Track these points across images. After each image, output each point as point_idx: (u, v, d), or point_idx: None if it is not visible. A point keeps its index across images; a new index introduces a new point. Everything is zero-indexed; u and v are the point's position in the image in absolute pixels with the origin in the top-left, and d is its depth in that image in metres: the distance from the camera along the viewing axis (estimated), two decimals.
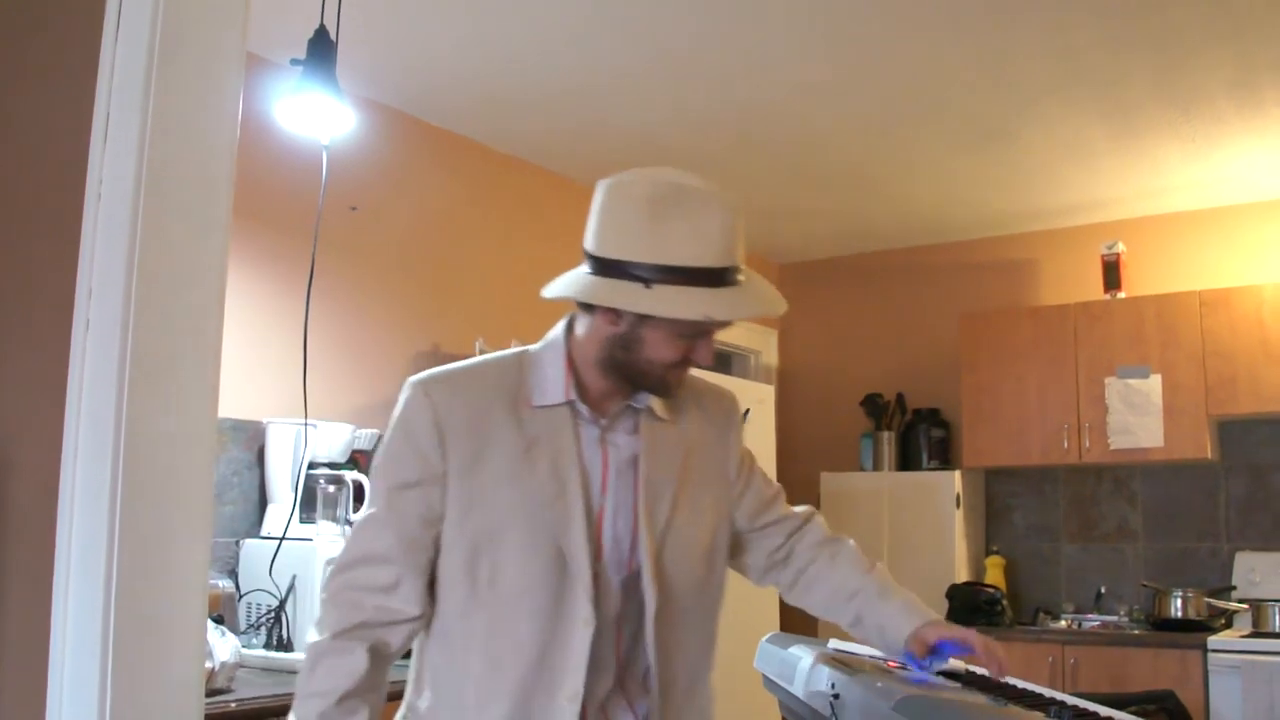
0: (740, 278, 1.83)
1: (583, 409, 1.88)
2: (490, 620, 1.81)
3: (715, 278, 1.77)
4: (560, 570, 1.81)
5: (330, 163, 3.62)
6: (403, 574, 1.82)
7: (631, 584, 1.88)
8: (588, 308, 1.84)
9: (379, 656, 1.83)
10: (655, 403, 1.93)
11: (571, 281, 1.83)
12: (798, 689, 1.93)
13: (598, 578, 1.84)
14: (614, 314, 1.80)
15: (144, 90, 2.04)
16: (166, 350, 2.07)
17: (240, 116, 2.21)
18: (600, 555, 1.86)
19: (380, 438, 4.24)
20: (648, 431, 1.93)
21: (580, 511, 1.83)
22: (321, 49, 3.35)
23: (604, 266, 1.78)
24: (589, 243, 1.82)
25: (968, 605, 5.74)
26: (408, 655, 1.95)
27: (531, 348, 1.94)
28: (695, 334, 1.81)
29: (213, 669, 2.96)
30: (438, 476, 1.82)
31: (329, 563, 3.36)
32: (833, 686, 1.69)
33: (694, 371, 1.96)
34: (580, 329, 1.89)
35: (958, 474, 6.10)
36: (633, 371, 1.84)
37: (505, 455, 1.82)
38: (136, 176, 2.03)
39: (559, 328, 1.93)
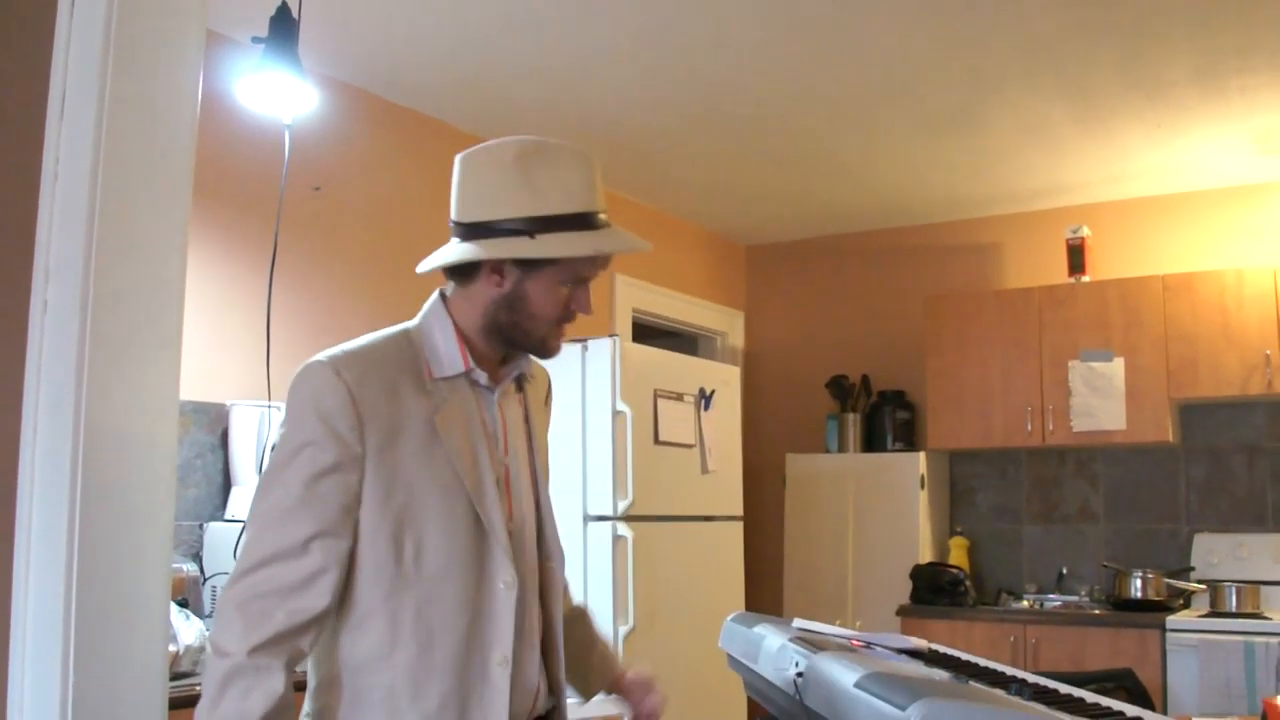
0: (605, 218, 1.90)
1: (480, 376, 1.92)
2: (419, 599, 1.79)
3: (588, 221, 1.85)
4: (480, 536, 1.84)
5: (293, 142, 3.59)
6: (322, 566, 1.75)
7: (537, 542, 1.97)
8: (467, 276, 1.90)
9: (293, 671, 1.73)
10: (530, 367, 2.04)
11: (450, 251, 1.89)
12: (763, 668, 1.94)
13: (511, 537, 1.89)
14: (498, 275, 1.87)
15: (100, 68, 2.02)
16: (126, 332, 2.05)
17: (200, 95, 2.19)
18: (511, 515, 1.91)
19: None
20: (530, 394, 2.04)
21: (491, 475, 1.87)
22: (283, 26, 3.32)
23: (479, 230, 1.86)
24: (460, 213, 1.91)
25: (931, 585, 5.78)
26: None
27: (411, 323, 1.95)
28: (576, 281, 1.89)
29: (177, 652, 2.95)
30: (357, 459, 1.78)
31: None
32: (797, 665, 1.69)
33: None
34: (460, 299, 1.94)
35: (922, 455, 6.13)
36: (518, 331, 1.91)
37: (418, 430, 1.82)
38: (94, 156, 2.00)
39: (434, 301, 1.97)
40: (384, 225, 4.72)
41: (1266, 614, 5.19)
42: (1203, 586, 5.45)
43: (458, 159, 1.95)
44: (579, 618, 2.21)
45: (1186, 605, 5.50)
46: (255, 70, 3.36)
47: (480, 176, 1.90)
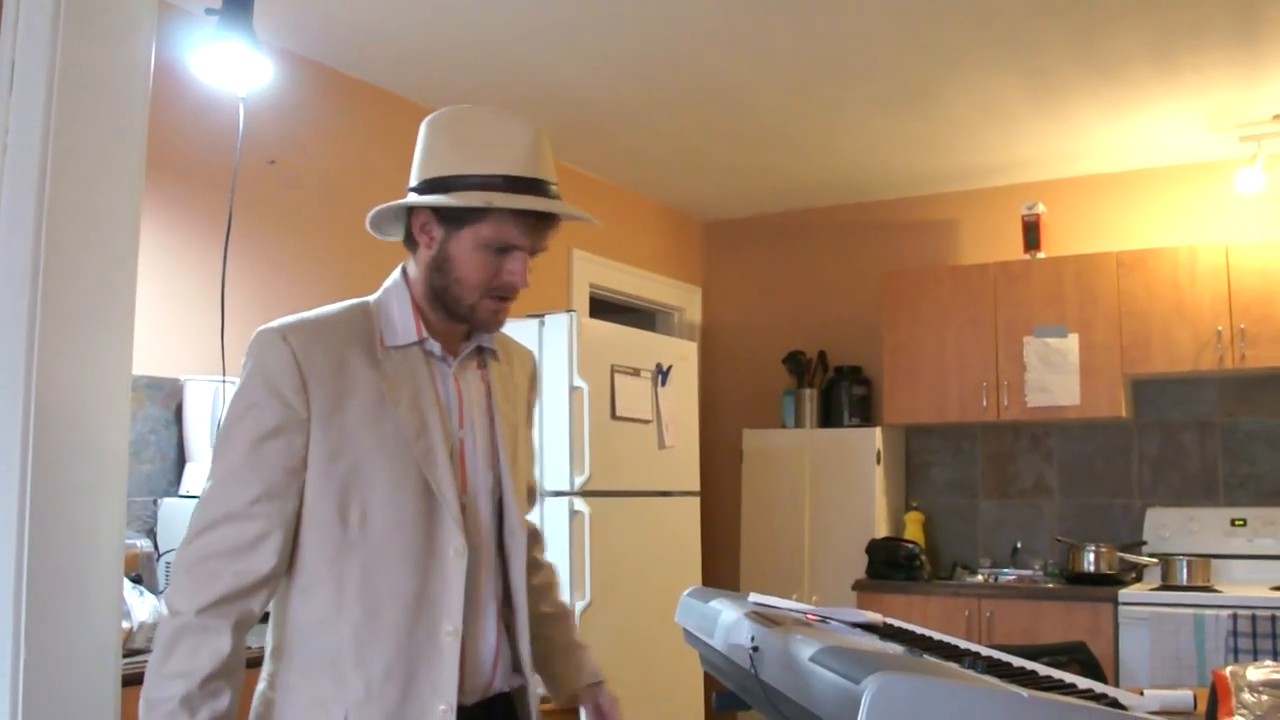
0: (549, 188, 1.89)
1: (434, 346, 1.94)
2: (364, 563, 1.80)
3: (515, 184, 1.84)
4: (429, 504, 1.85)
5: (248, 115, 3.56)
6: (267, 528, 1.77)
7: (495, 513, 1.98)
8: (412, 243, 1.96)
9: (242, 632, 1.77)
10: (494, 343, 2.05)
11: (384, 206, 1.94)
12: (718, 642, 1.95)
13: (465, 509, 1.90)
14: (427, 236, 1.91)
15: (50, 38, 1.99)
16: (78, 305, 2.03)
17: (153, 67, 2.16)
18: (465, 487, 1.93)
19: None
20: (494, 370, 2.05)
21: (442, 444, 1.88)
22: None
23: (421, 189, 1.91)
24: (411, 180, 1.95)
25: (887, 560, 5.82)
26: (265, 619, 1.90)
27: (371, 297, 1.99)
28: (501, 247, 1.88)
29: (131, 629, 2.93)
30: (301, 423, 1.80)
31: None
32: (752, 639, 1.70)
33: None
34: (412, 270, 1.98)
35: (878, 431, 6.17)
36: (448, 297, 1.91)
37: (366, 397, 1.84)
38: (44, 128, 1.98)
39: (395, 274, 2.00)
40: (340, 199, 4.68)
41: (1216, 587, 5.27)
42: (1154, 560, 5.52)
43: (424, 122, 1.98)
44: (556, 618, 2.23)
45: (1139, 578, 5.57)
46: (209, 42, 3.32)
47: (422, 141, 1.95)
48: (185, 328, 3.98)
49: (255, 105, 3.90)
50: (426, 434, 1.86)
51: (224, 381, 3.78)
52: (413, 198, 1.90)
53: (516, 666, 2.00)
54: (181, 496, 3.81)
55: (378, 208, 1.93)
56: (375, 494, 1.82)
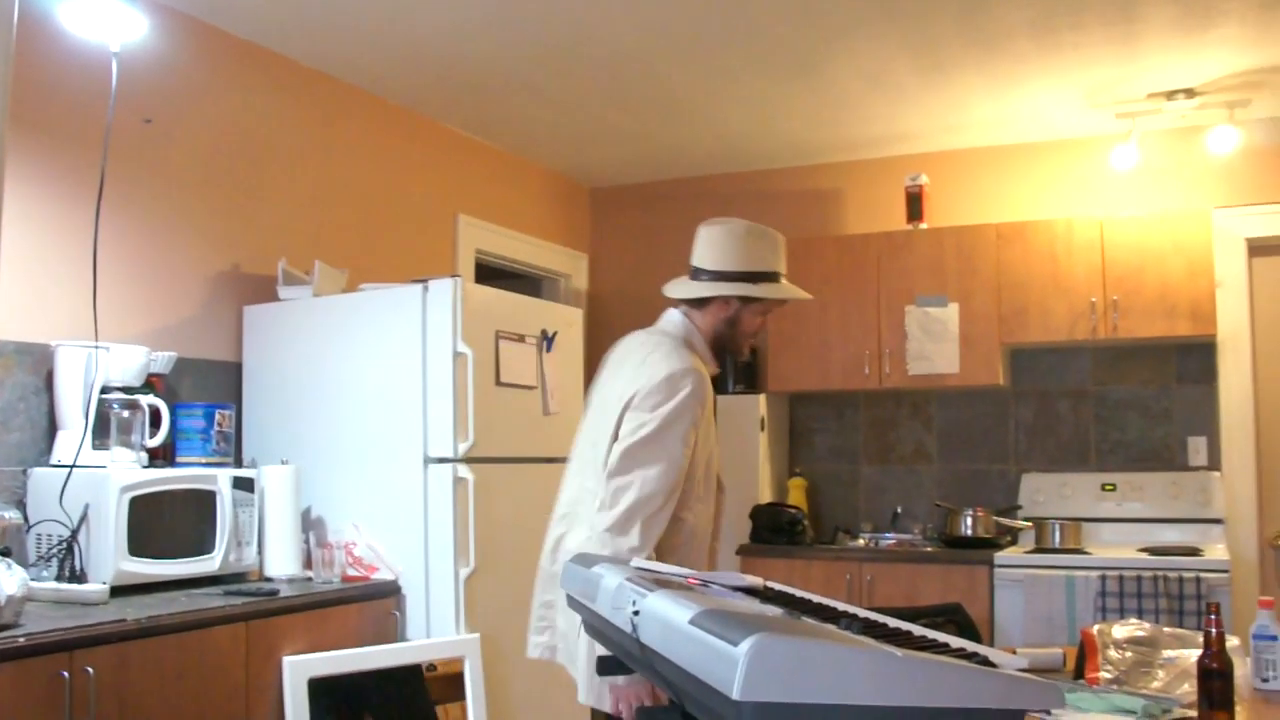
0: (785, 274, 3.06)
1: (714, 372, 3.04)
2: (698, 511, 2.95)
3: (779, 277, 3.04)
4: (713, 471, 3.05)
5: (121, 71, 3.46)
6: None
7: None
8: (703, 303, 3.03)
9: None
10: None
11: (700, 288, 3.03)
12: (601, 607, 1.95)
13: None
14: (726, 304, 3.00)
15: None
16: None
17: (16, 17, 2.08)
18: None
19: (177, 359, 4.12)
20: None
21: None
22: None
23: (717, 275, 2.99)
24: (703, 261, 3.04)
25: (771, 525, 5.88)
26: None
27: (674, 333, 3.03)
28: (767, 311, 3.04)
29: None
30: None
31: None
32: (634, 604, 1.70)
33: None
34: (697, 318, 3.04)
35: (762, 398, 6.22)
36: (730, 341, 3.04)
37: (710, 408, 2.97)
38: None
39: (680, 319, 3.07)
40: (220, 161, 4.57)
41: (1087, 549, 5.43)
42: (1029, 524, 5.66)
43: (701, 227, 3.09)
44: None
45: (1014, 542, 5.71)
46: None
47: (720, 241, 3.01)
48: (56, 291, 3.85)
49: (129, 61, 3.78)
50: (717, 433, 3.10)
51: (96, 347, 3.68)
52: (733, 287, 2.98)
53: None
54: (52, 466, 3.70)
55: (719, 292, 3.02)
56: (712, 468, 3.03)
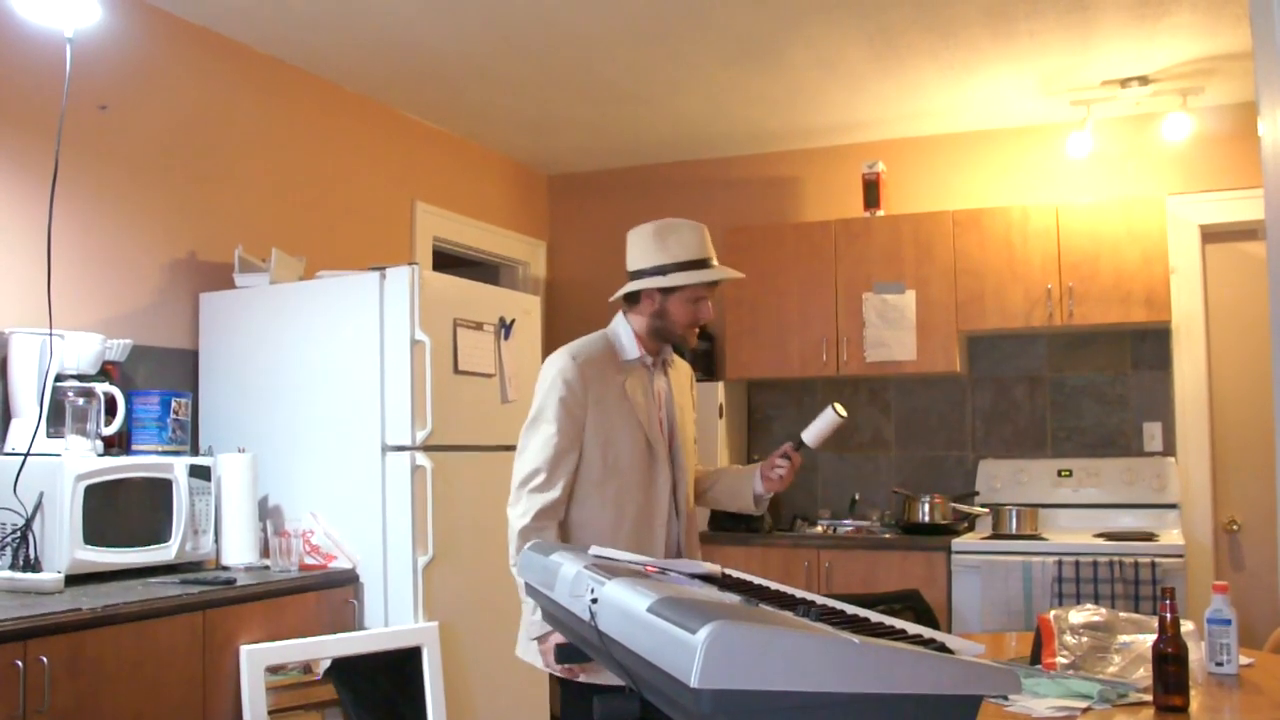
0: (715, 262, 3.17)
1: (648, 360, 3.19)
2: (617, 487, 3.06)
3: (699, 264, 3.12)
4: (649, 452, 3.12)
5: (75, 57, 3.41)
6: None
7: (674, 456, 3.20)
8: (635, 301, 3.17)
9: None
10: (669, 358, 3.30)
11: (626, 287, 3.14)
12: (559, 595, 1.95)
13: (672, 454, 3.19)
14: (650, 300, 3.13)
15: None
16: None
17: None
18: (671, 444, 3.20)
19: (133, 347, 4.08)
20: (672, 373, 3.30)
21: (655, 417, 3.16)
22: None
23: (637, 274, 3.13)
24: (629, 265, 3.17)
25: (729, 513, 5.87)
26: None
27: (608, 330, 3.22)
28: (696, 299, 3.12)
29: None
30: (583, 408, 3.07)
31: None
32: (592, 591, 1.70)
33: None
34: (632, 314, 3.19)
35: (721, 385, 6.23)
36: (666, 332, 3.15)
37: (615, 391, 3.10)
38: None
39: (619, 317, 3.23)
40: (175, 148, 4.53)
41: (1044, 535, 5.47)
42: (986, 510, 5.71)
43: (629, 234, 3.19)
44: (719, 471, 3.45)
45: (971, 528, 5.74)
46: None
47: (637, 243, 3.15)
48: (9, 278, 3.81)
49: (84, 47, 3.74)
50: (648, 411, 3.15)
51: (50, 334, 3.64)
52: (648, 281, 3.10)
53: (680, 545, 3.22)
54: (6, 454, 3.65)
55: (631, 288, 3.14)
56: (621, 446, 3.08)
